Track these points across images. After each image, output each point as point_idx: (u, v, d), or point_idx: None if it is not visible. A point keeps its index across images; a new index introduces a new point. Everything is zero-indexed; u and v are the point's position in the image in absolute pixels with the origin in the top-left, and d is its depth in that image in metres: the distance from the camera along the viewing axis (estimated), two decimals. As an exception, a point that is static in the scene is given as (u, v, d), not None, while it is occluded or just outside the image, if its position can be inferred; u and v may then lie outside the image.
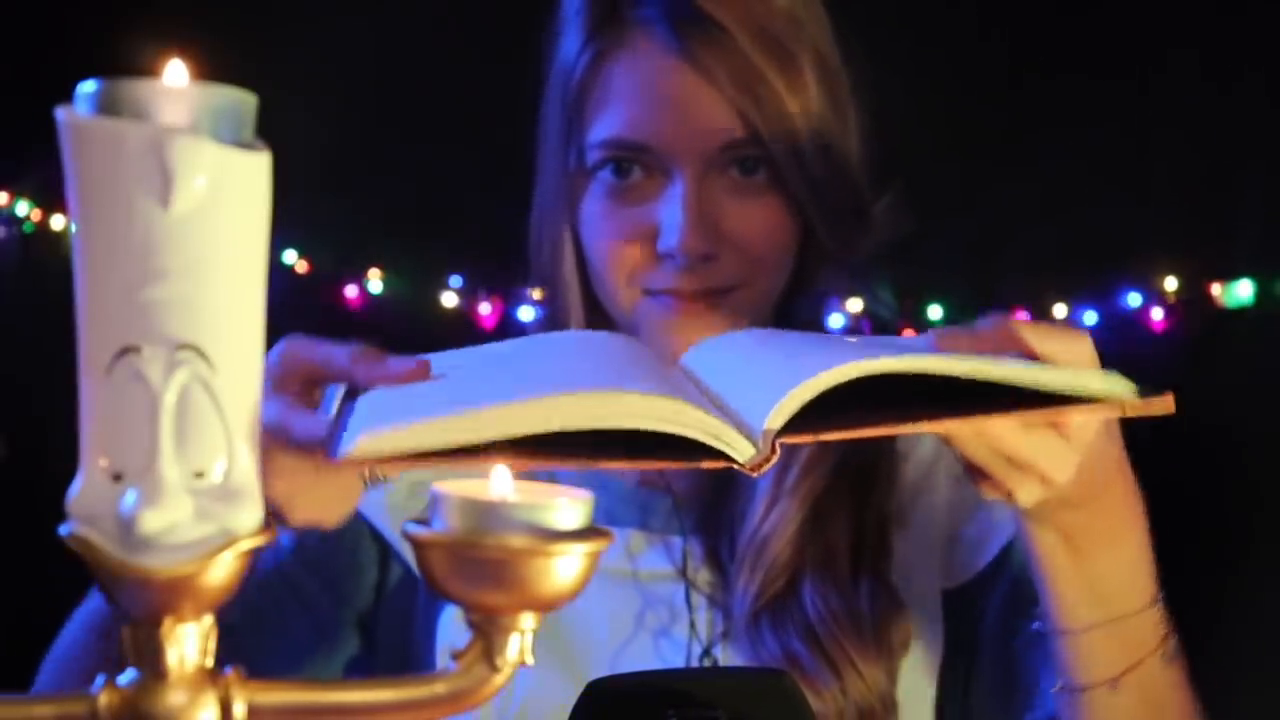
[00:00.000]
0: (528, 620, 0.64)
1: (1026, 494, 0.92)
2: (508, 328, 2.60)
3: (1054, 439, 0.90)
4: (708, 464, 0.82)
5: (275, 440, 0.87)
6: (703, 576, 1.22)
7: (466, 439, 0.77)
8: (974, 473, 0.93)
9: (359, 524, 1.25)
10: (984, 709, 1.23)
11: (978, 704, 1.23)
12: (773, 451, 0.82)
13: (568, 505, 0.63)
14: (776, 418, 0.82)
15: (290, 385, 0.91)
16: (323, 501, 0.94)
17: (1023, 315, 2.41)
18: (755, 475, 0.83)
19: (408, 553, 1.24)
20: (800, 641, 1.15)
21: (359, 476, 0.92)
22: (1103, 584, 1.00)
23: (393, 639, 1.26)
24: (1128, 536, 1.00)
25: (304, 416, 0.89)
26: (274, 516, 0.89)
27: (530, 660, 0.64)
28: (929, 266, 2.22)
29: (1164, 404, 0.85)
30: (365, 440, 0.77)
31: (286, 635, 1.24)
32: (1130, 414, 0.87)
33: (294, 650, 1.25)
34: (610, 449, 0.81)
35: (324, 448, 0.81)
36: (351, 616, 1.26)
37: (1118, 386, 0.86)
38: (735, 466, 0.82)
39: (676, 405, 0.80)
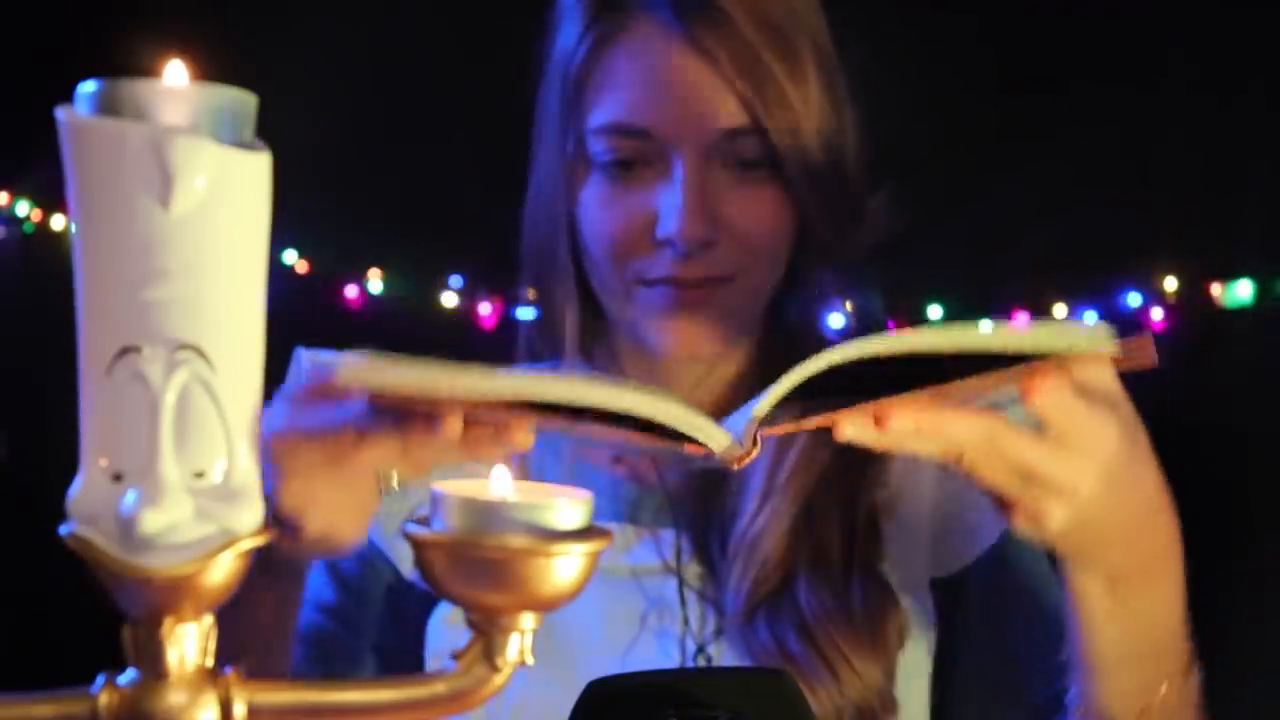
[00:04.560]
0: (528, 620, 0.64)
1: (1055, 514, 0.89)
2: (508, 328, 2.60)
3: (1064, 448, 0.88)
4: (690, 448, 0.83)
5: (290, 438, 0.86)
6: (692, 571, 1.22)
7: (453, 392, 0.79)
8: (1000, 504, 0.91)
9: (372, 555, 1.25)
10: (973, 693, 1.23)
11: (964, 690, 1.23)
12: (754, 444, 0.82)
13: (568, 505, 0.63)
14: (761, 408, 0.82)
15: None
16: (337, 508, 0.89)
17: (1022, 315, 2.41)
18: (737, 468, 0.84)
19: (394, 556, 1.24)
20: (796, 639, 1.15)
21: (375, 480, 0.87)
22: (1140, 621, 0.98)
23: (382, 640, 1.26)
24: (1168, 573, 0.98)
25: (315, 410, 0.87)
26: (289, 529, 0.87)
27: (530, 660, 0.64)
28: (929, 266, 2.22)
29: (1142, 348, 0.83)
30: (351, 367, 0.78)
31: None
32: (1112, 360, 0.86)
33: None
34: (591, 420, 0.82)
35: (340, 433, 0.83)
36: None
37: (1102, 343, 0.85)
38: (717, 457, 0.83)
39: (658, 397, 0.81)
